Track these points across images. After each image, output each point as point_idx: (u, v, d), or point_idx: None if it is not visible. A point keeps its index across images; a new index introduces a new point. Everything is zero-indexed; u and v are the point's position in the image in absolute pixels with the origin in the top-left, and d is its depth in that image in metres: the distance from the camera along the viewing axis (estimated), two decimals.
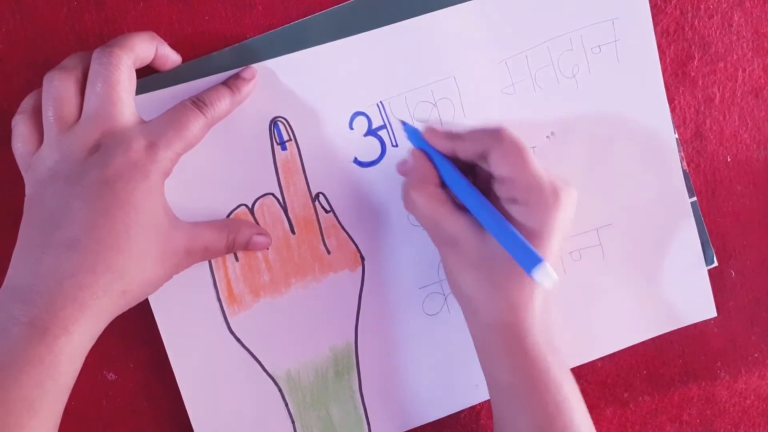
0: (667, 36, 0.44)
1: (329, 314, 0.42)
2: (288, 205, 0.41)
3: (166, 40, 0.38)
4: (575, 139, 0.43)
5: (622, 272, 0.45)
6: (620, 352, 0.46)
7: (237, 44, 0.40)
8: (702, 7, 0.44)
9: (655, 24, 0.43)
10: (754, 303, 0.47)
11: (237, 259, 0.41)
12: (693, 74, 0.45)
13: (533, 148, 0.43)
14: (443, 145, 0.38)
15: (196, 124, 0.36)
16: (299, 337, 0.42)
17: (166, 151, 0.35)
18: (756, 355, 0.48)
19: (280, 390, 0.42)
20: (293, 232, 0.42)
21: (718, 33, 0.45)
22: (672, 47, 0.44)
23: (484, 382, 0.39)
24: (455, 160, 0.38)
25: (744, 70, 0.45)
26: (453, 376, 0.44)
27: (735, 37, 0.45)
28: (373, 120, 0.41)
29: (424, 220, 0.38)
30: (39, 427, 0.32)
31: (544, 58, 0.42)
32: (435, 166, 0.38)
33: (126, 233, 0.34)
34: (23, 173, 0.36)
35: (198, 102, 0.37)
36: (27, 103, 0.36)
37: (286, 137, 0.41)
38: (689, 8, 0.44)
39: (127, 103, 0.35)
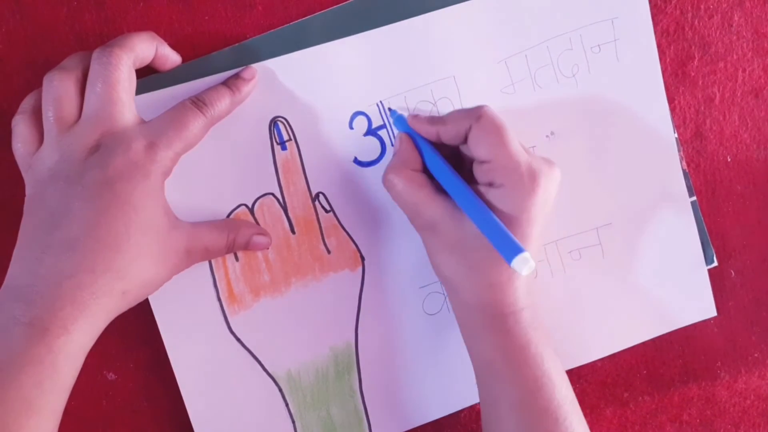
0: (667, 36, 0.44)
1: (329, 314, 0.42)
2: (288, 204, 0.41)
3: (166, 40, 0.38)
4: (575, 139, 0.43)
5: (622, 272, 0.45)
6: (620, 352, 0.46)
7: (237, 44, 0.40)
8: (702, 7, 0.44)
9: (655, 24, 0.43)
10: (754, 303, 0.47)
11: (237, 258, 0.41)
12: (693, 74, 0.45)
13: (533, 147, 0.43)
14: (426, 130, 0.38)
15: (196, 124, 0.36)
16: (300, 337, 0.42)
17: (166, 151, 0.35)
18: (756, 355, 0.48)
19: (280, 390, 0.42)
20: (293, 231, 0.41)
21: (718, 33, 0.45)
22: (672, 47, 0.44)
23: None
24: (441, 146, 0.38)
25: (744, 70, 0.45)
26: (453, 375, 0.44)
27: (735, 37, 0.45)
28: (373, 120, 0.41)
29: (403, 204, 0.38)
30: (38, 426, 0.32)
31: (543, 57, 0.42)
32: (420, 151, 0.38)
33: (126, 233, 0.34)
34: (23, 173, 0.36)
35: (198, 102, 0.37)
36: (27, 103, 0.36)
37: (286, 137, 0.41)
38: (689, 8, 0.44)
39: (127, 103, 0.35)
